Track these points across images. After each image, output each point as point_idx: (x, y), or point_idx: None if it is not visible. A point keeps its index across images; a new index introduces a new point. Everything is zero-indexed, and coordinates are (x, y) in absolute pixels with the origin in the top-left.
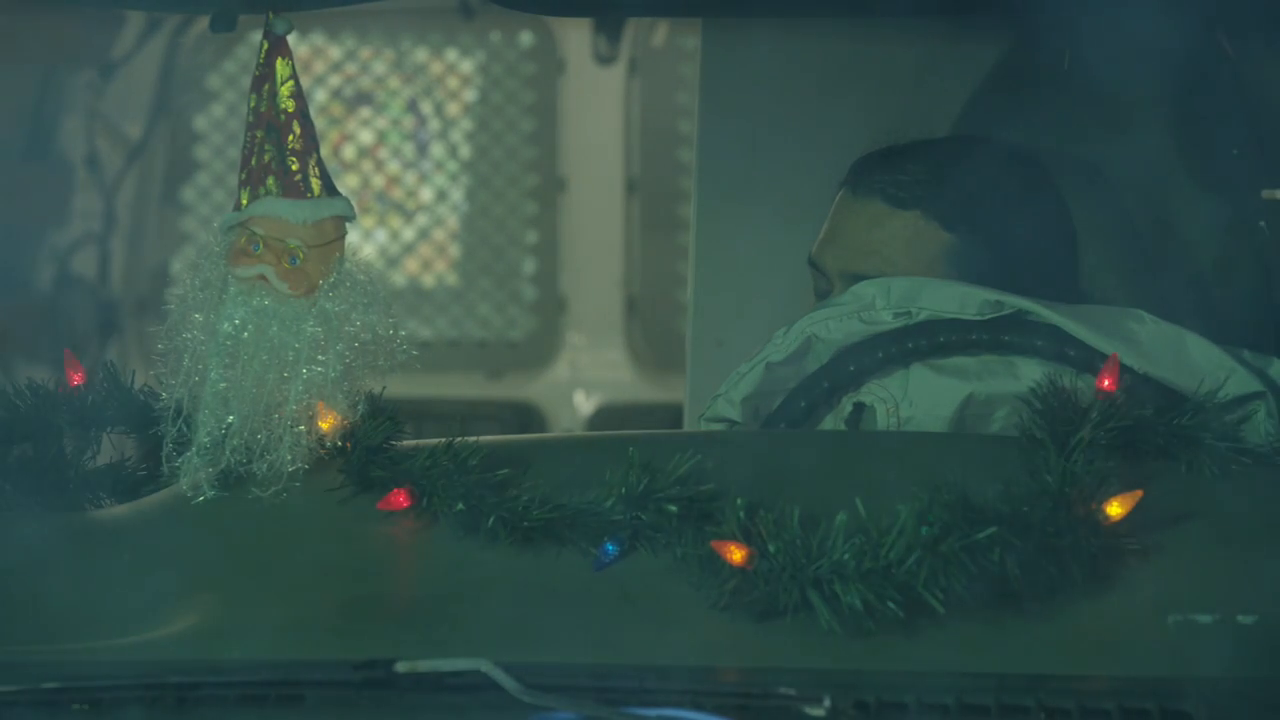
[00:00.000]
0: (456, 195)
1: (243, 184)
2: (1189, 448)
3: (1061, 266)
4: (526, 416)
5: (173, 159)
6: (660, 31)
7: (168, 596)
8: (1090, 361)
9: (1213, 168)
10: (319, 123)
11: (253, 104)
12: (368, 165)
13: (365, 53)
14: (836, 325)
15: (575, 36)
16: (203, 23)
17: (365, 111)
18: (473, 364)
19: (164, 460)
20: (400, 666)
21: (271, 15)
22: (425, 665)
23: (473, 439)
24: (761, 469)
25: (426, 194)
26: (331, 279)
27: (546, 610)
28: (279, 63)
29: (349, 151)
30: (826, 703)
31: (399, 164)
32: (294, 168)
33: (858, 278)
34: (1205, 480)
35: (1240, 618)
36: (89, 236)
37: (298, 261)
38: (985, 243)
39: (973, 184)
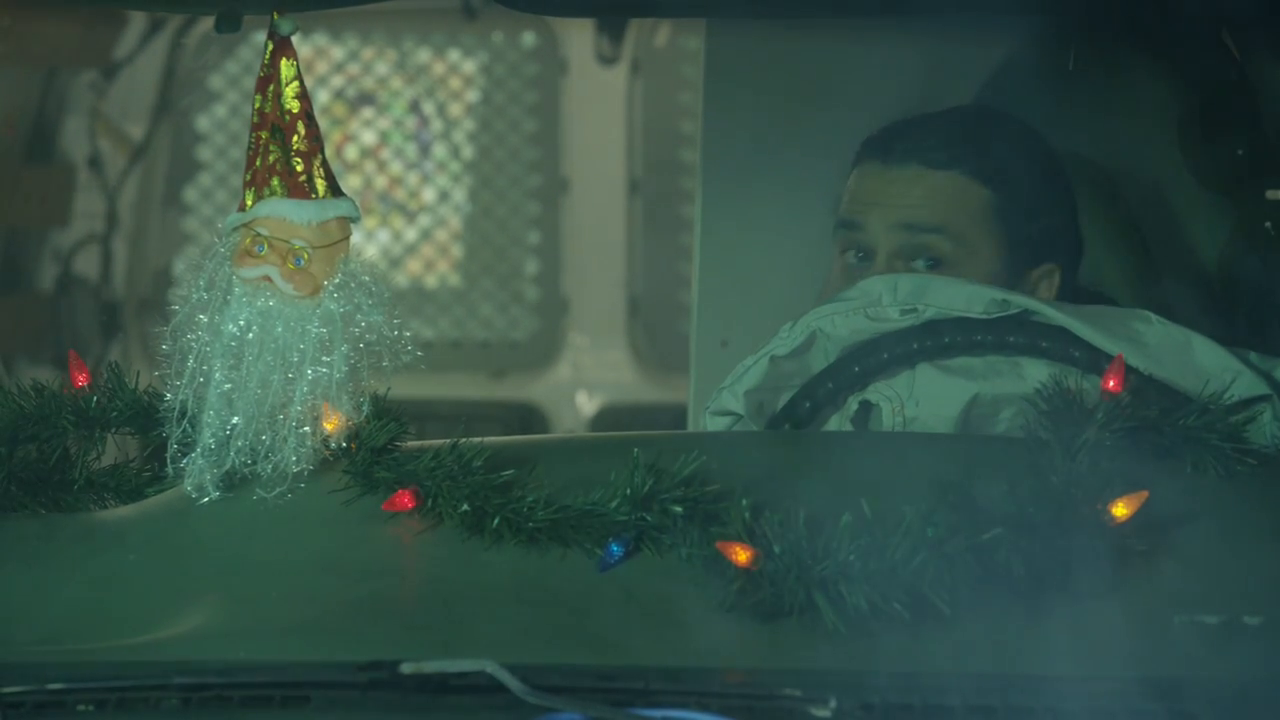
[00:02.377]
0: (459, 196)
1: (247, 185)
2: (1194, 449)
3: (1070, 229)
4: (529, 417)
5: (175, 160)
6: (662, 32)
7: (172, 598)
8: (1096, 362)
9: (1218, 168)
10: (321, 123)
11: (257, 105)
12: (370, 166)
13: (368, 53)
14: (842, 321)
15: (578, 37)
16: (205, 23)
17: (368, 112)
18: (475, 364)
19: (169, 461)
20: (405, 667)
21: (276, 15)
22: (430, 666)
23: (477, 439)
24: (766, 470)
25: (429, 195)
26: (336, 280)
27: (551, 611)
28: (284, 63)
29: (351, 152)
30: (832, 704)
31: (401, 165)
32: (299, 168)
33: (912, 228)
34: (1211, 481)
35: (1246, 618)
36: (91, 237)
37: (302, 262)
38: (1017, 199)
39: (998, 146)
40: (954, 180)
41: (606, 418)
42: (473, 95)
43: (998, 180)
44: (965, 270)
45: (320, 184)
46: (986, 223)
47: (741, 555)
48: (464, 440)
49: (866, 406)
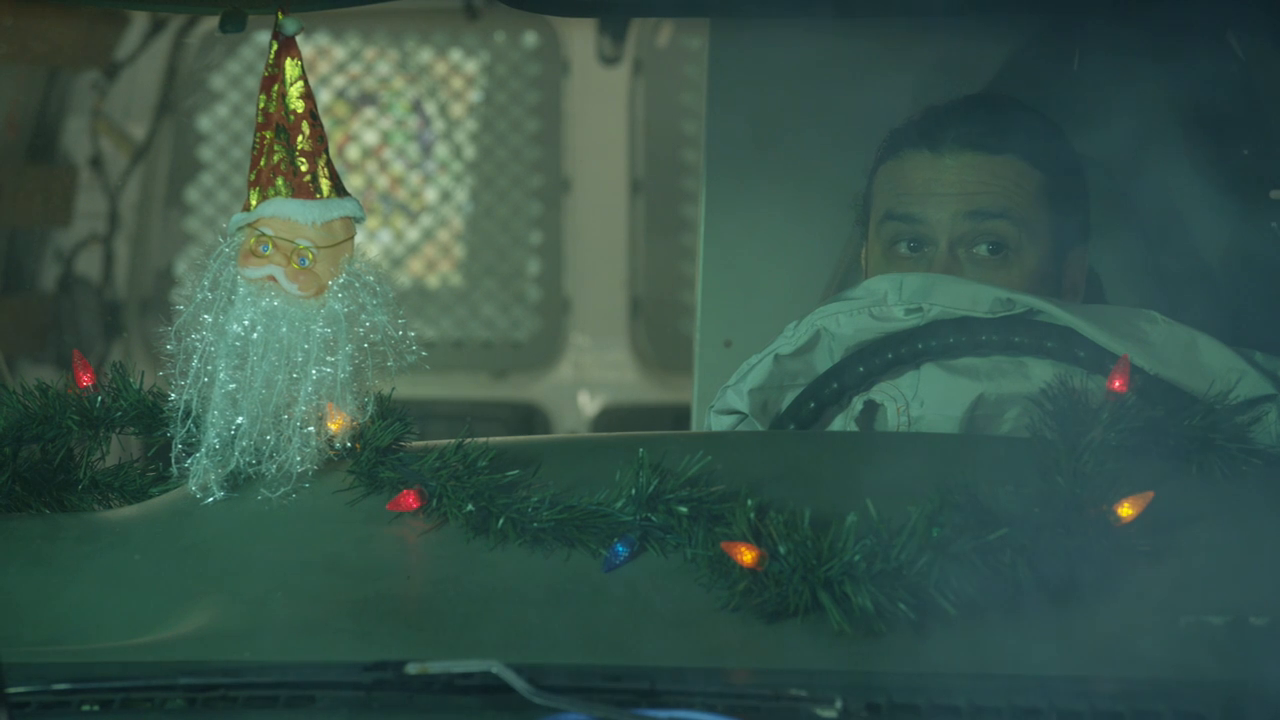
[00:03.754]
0: (461, 196)
1: (252, 185)
2: (1200, 449)
3: (1088, 211)
4: (531, 417)
5: (177, 160)
6: (664, 32)
7: (177, 598)
8: (1101, 362)
9: (1223, 169)
10: (323, 123)
11: (262, 105)
12: (372, 166)
13: (370, 53)
14: (847, 320)
15: (580, 37)
16: (206, 23)
17: (370, 112)
18: (477, 364)
19: (173, 461)
20: (411, 668)
21: (281, 15)
22: (436, 666)
23: (482, 440)
24: (771, 470)
25: (431, 195)
26: (340, 280)
27: (556, 611)
28: (288, 63)
29: (353, 152)
30: (838, 704)
31: (403, 165)
32: (303, 168)
33: (977, 214)
34: (1216, 481)
35: (1252, 619)
36: (94, 237)
37: (307, 262)
38: (1061, 181)
39: (1038, 130)
40: (1011, 164)
41: (608, 418)
42: (475, 95)
43: (1045, 163)
44: (1026, 253)
45: (325, 184)
46: (1040, 206)
47: (747, 555)
48: (469, 440)
49: (871, 406)
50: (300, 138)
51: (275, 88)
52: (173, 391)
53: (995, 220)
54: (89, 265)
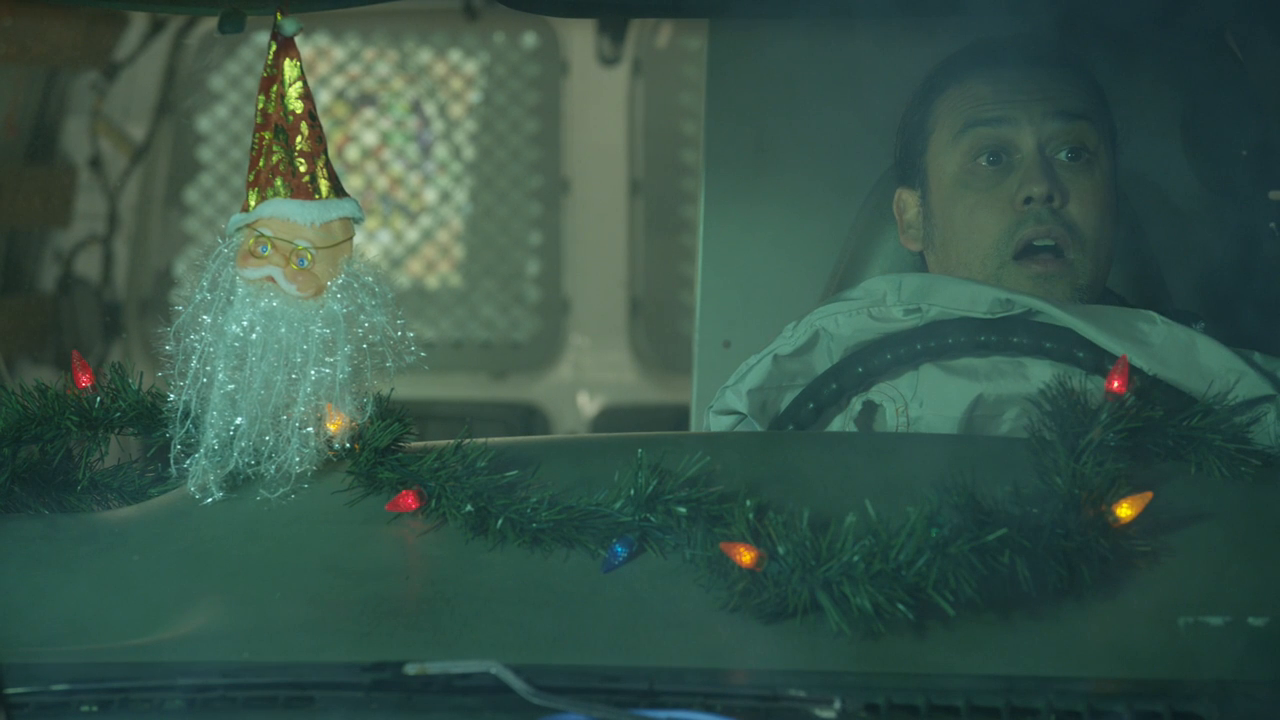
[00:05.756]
0: (460, 197)
1: (251, 185)
2: (1199, 450)
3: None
4: (530, 418)
5: (176, 160)
6: (664, 33)
7: (176, 599)
8: (1100, 363)
9: (1221, 169)
10: (322, 124)
11: (261, 105)
12: (371, 167)
13: (369, 54)
14: (846, 320)
15: (579, 38)
16: (206, 24)
17: (369, 113)
18: (476, 365)
19: (172, 462)
20: (409, 668)
21: (280, 16)
22: (434, 667)
23: (481, 440)
24: (770, 470)
25: (430, 195)
26: (339, 280)
27: (555, 612)
28: (287, 64)
29: (353, 153)
30: (836, 705)
31: (403, 165)
32: (302, 169)
33: (1065, 114)
34: (1215, 482)
35: (1251, 620)
36: (93, 238)
37: (306, 263)
38: (1109, 121)
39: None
40: (1083, 75)
41: (607, 418)
42: (474, 96)
43: (1100, 96)
44: (1101, 164)
45: (324, 184)
46: (1106, 119)
47: (745, 556)
48: (468, 441)
49: (870, 407)
50: (299, 138)
51: (274, 88)
52: (171, 392)
53: (1080, 121)
54: (88, 266)
